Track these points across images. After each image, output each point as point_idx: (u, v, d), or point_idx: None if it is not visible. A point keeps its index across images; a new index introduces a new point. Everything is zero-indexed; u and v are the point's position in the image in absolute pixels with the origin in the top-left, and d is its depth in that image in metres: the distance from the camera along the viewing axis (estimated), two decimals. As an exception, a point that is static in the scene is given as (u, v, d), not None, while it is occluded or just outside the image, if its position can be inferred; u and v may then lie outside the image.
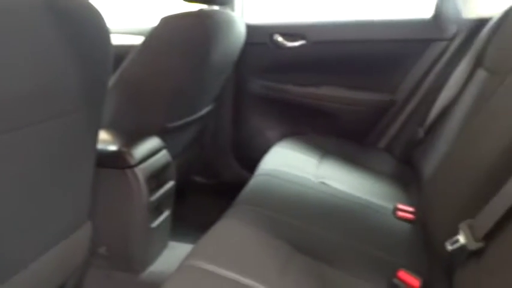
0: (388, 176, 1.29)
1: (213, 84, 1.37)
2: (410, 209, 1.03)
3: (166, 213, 1.09)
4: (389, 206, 1.05)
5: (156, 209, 1.04)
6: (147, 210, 0.99)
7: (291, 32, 1.52)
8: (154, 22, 1.12)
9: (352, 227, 0.91)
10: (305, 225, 0.88)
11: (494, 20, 1.20)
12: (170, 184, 1.09)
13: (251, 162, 1.64)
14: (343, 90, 1.50)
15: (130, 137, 1.03)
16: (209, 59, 1.19)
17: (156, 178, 1.03)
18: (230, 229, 0.79)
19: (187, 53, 1.13)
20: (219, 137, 1.65)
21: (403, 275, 0.74)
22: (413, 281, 0.74)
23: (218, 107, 1.55)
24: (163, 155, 1.07)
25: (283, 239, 0.79)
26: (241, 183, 1.65)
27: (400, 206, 1.03)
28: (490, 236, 0.64)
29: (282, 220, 0.87)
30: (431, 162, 1.10)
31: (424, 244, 0.83)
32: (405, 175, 1.27)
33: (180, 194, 1.20)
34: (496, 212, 0.65)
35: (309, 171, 1.17)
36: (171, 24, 1.11)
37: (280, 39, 1.53)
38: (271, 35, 1.53)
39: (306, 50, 1.50)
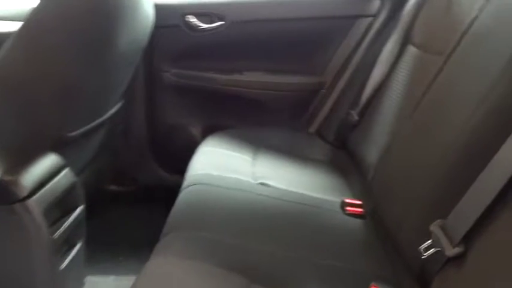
0: (325, 164, 1.21)
1: (119, 78, 1.14)
2: (358, 202, 0.95)
3: (78, 246, 0.87)
4: (336, 200, 0.97)
5: (64, 245, 0.82)
6: (50, 251, 0.77)
7: (206, 12, 1.34)
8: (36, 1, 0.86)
9: (307, 236, 0.81)
10: (255, 244, 0.75)
11: (417, -5, 1.16)
12: (79, 210, 0.87)
13: (173, 163, 1.46)
14: (269, 75, 1.38)
15: (15, 158, 0.77)
16: (113, 47, 0.96)
17: (59, 207, 0.81)
18: (164, 269, 0.63)
19: (83, 40, 0.89)
20: (132, 139, 1.43)
21: (376, 290, 0.66)
22: (388, 295, 0.65)
23: (128, 104, 1.33)
24: (64, 176, 0.84)
25: (233, 270, 0.65)
26: (163, 186, 1.48)
27: (348, 201, 0.95)
28: (469, 239, 0.57)
29: (226, 243, 0.73)
30: (371, 149, 1.04)
31: (391, 248, 0.75)
32: (342, 161, 1.21)
33: (93, 211, 0.98)
34: (472, 211, 0.57)
35: (244, 172, 1.03)
36: (58, 3, 0.85)
37: (194, 20, 1.34)
38: (183, 16, 1.34)
39: (225, 32, 1.34)
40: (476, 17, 0.78)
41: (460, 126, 0.67)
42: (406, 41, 1.14)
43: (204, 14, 1.35)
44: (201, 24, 1.35)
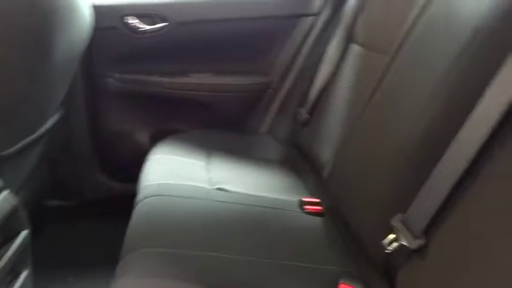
0: (279, 164, 1.22)
1: (56, 88, 1.06)
2: (316, 200, 0.97)
3: (25, 274, 0.79)
4: (294, 199, 0.98)
5: (8, 275, 0.74)
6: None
7: (148, 13, 1.29)
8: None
9: (268, 238, 0.81)
10: (218, 252, 0.73)
11: (357, -7, 1.20)
12: (23, 235, 0.79)
13: (121, 171, 1.40)
14: (216, 76, 1.36)
15: None
16: (48, 55, 0.89)
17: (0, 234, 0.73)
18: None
19: (13, 49, 0.81)
20: (75, 149, 1.34)
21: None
22: (356, 292, 0.67)
23: (68, 113, 1.24)
24: (4, 200, 0.76)
25: (197, 282, 0.63)
26: (112, 197, 1.41)
27: (306, 199, 0.97)
28: (430, 231, 0.60)
29: (189, 255, 0.70)
30: (324, 147, 1.06)
31: (354, 244, 0.77)
32: (295, 160, 1.22)
33: (36, 230, 0.90)
34: (431, 202, 0.60)
35: (200, 178, 1.01)
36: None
37: (135, 21, 1.28)
38: (123, 17, 1.27)
39: (168, 34, 1.30)
40: (419, 14, 0.81)
41: (413, 122, 0.69)
42: (349, 39, 1.17)
43: (145, 15, 1.30)
44: (142, 25, 1.30)
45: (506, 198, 0.52)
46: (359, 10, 1.16)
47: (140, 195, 0.92)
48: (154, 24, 1.30)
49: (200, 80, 1.35)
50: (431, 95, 0.68)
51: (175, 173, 1.01)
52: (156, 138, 1.26)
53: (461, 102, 0.63)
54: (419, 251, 0.60)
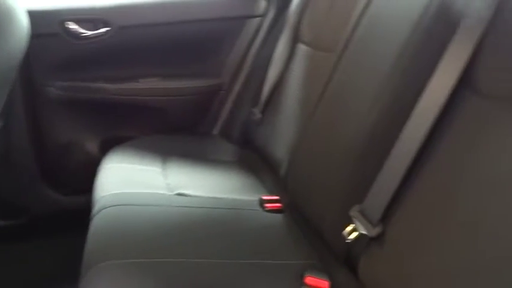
0: (235, 165, 1.23)
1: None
2: (275, 197, 0.99)
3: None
4: (254, 198, 0.99)
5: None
6: None
7: (89, 18, 1.24)
8: None
9: (231, 239, 0.81)
10: (182, 258, 0.72)
11: (300, -6, 1.24)
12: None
13: (70, 184, 1.34)
14: (166, 80, 1.34)
15: None
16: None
17: None
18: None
19: None
20: (17, 163, 1.26)
21: (311, 280, 0.69)
22: (322, 283, 0.69)
23: (9, 125, 1.17)
24: None
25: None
26: (63, 212, 1.34)
27: (265, 198, 0.98)
28: (386, 219, 0.64)
29: (152, 264, 0.69)
30: (279, 145, 1.08)
31: (315, 237, 0.80)
32: (251, 160, 1.24)
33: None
34: (385, 192, 0.64)
35: (158, 184, 0.99)
36: None
37: (75, 27, 1.23)
38: (62, 23, 1.22)
39: (112, 39, 1.26)
40: (361, 14, 0.85)
41: (361, 119, 0.73)
42: (296, 39, 1.21)
43: (86, 19, 1.25)
44: (83, 31, 1.25)
45: (451, 183, 0.57)
46: (303, 10, 1.20)
47: (96, 207, 0.88)
48: (96, 29, 1.25)
49: (149, 85, 1.33)
50: (376, 93, 0.73)
51: (131, 181, 0.99)
52: (107, 147, 1.22)
53: (405, 99, 0.68)
54: (378, 239, 0.64)
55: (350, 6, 0.94)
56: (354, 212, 0.68)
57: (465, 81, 0.59)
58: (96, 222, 0.82)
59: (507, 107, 0.53)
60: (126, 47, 1.30)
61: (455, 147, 0.58)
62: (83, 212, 1.00)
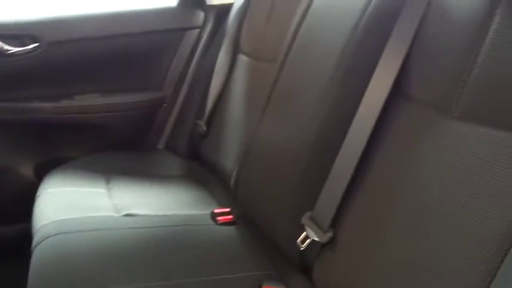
0: (183, 179, 1.21)
1: None
2: (226, 209, 0.99)
3: None
4: (205, 212, 0.98)
5: None
6: None
7: (15, 34, 1.17)
8: None
9: (184, 257, 0.80)
10: (140, 283, 0.70)
11: (237, 4, 1.25)
12: None
13: (5, 212, 1.24)
14: (105, 96, 1.29)
15: None
16: None
17: None
18: None
19: None
20: None
21: (268, 291, 0.70)
22: (279, 292, 0.70)
23: None
24: None
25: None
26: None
27: (217, 211, 0.98)
28: (336, 224, 0.67)
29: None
30: (227, 156, 1.09)
31: (269, 247, 0.81)
32: (199, 173, 1.23)
33: None
34: (333, 199, 0.67)
35: (104, 207, 0.95)
36: None
37: (0, 44, 1.15)
38: (-16, 41, 1.13)
39: (43, 55, 1.19)
40: (299, 24, 0.88)
41: (306, 128, 0.76)
42: (236, 50, 1.22)
43: (12, 36, 1.17)
44: (10, 48, 1.17)
45: (391, 186, 0.60)
46: (241, 21, 1.21)
47: (37, 237, 0.83)
48: (24, 46, 1.18)
49: (87, 102, 1.27)
50: (317, 103, 0.75)
51: (74, 205, 0.94)
52: (44, 170, 1.15)
53: (345, 108, 0.71)
54: (329, 244, 0.66)
55: (287, 18, 0.97)
56: (305, 220, 0.70)
57: (398, 89, 0.64)
58: (39, 253, 0.77)
59: (434, 111, 0.57)
60: (59, 63, 1.23)
61: (393, 152, 0.62)
62: (21, 242, 0.93)
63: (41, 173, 1.15)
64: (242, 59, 1.19)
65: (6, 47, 1.17)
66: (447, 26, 0.59)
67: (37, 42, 1.18)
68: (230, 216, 0.96)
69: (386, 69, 0.66)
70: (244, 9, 1.21)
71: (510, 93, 0.48)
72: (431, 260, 0.51)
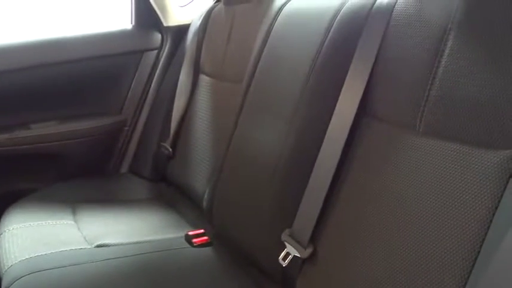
0: (152, 202, 1.19)
1: None
2: (201, 231, 0.99)
3: None
4: (180, 235, 0.98)
5: None
6: None
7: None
8: None
9: (166, 284, 0.79)
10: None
11: (195, 25, 1.27)
12: None
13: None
14: (63, 124, 1.25)
15: None
16: None
17: None
18: None
19: None
20: None
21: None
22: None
23: None
24: None
25: None
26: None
27: (191, 233, 0.98)
28: (315, 239, 0.69)
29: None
30: (196, 177, 1.09)
31: (252, 266, 0.82)
32: (167, 195, 1.22)
33: None
34: (310, 214, 0.70)
35: (74, 239, 0.92)
36: None
37: None
38: None
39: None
40: (262, 44, 0.90)
41: (279, 144, 0.77)
42: (197, 71, 1.23)
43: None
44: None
45: (363, 201, 0.64)
46: (200, 41, 1.23)
47: (5, 280, 0.78)
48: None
49: (43, 131, 1.22)
50: (290, 119, 0.78)
51: (41, 241, 0.90)
52: (3, 205, 1.09)
53: (316, 125, 0.74)
54: (310, 259, 0.69)
55: (248, 38, 0.99)
56: (285, 236, 0.72)
57: (364, 109, 0.68)
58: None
59: (400, 129, 0.62)
60: (11, 92, 1.18)
61: (365, 168, 0.65)
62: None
63: (2, 209, 1.09)
64: (204, 79, 1.20)
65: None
66: (406, 46, 0.64)
67: (-14, 71, 1.13)
68: (205, 238, 0.96)
69: (351, 89, 0.70)
70: (203, 29, 1.23)
71: (467, 109, 0.53)
72: (411, 270, 0.55)
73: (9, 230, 0.95)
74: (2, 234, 0.95)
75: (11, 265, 0.81)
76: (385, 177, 0.61)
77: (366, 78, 0.67)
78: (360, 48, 0.70)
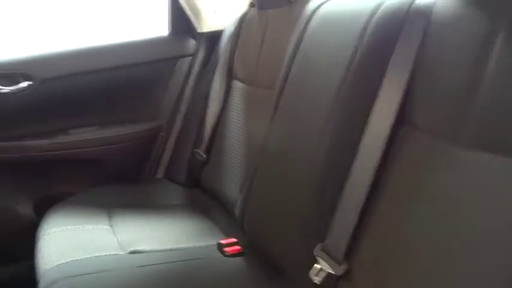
0: (186, 208, 1.20)
1: None
2: (233, 240, 0.98)
3: None
4: (212, 243, 0.97)
5: None
6: None
7: (7, 73, 1.16)
8: None
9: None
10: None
11: (229, 31, 1.26)
12: None
13: (5, 253, 1.21)
14: (101, 129, 1.28)
15: None
16: None
17: None
18: None
19: None
20: None
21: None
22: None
23: None
24: None
25: None
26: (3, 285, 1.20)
27: (223, 242, 0.96)
28: (350, 254, 0.65)
29: None
30: (229, 184, 1.08)
31: (284, 279, 0.79)
32: (201, 201, 1.22)
33: None
34: (346, 227, 0.66)
35: (109, 244, 0.93)
36: None
37: (-8, 84, 1.14)
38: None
39: (35, 92, 1.18)
40: (295, 50, 0.88)
41: (312, 152, 0.74)
42: (230, 77, 1.23)
43: (5, 75, 1.16)
44: (2, 87, 1.16)
45: (403, 216, 0.60)
46: (233, 47, 1.22)
47: (42, 284, 0.80)
48: (16, 84, 1.17)
49: (83, 136, 1.26)
50: (323, 127, 0.75)
51: (77, 246, 0.92)
52: (43, 208, 1.13)
53: (351, 131, 0.70)
54: (346, 276, 0.65)
55: (281, 43, 0.97)
56: (317, 251, 0.69)
57: (402, 117, 0.64)
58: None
59: (441, 140, 0.58)
60: (53, 99, 1.22)
61: (404, 180, 0.61)
62: (22, 281, 0.91)
63: (40, 211, 1.13)
64: (237, 85, 1.19)
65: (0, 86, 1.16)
66: (447, 50, 0.59)
67: (30, 80, 1.18)
68: (238, 247, 0.94)
69: (388, 95, 0.66)
70: (236, 35, 1.22)
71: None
72: (454, 286, 0.51)
73: (48, 234, 0.98)
74: (41, 236, 0.98)
75: (47, 269, 0.83)
76: (428, 193, 0.57)
77: (404, 84, 0.63)
78: (397, 52, 0.66)
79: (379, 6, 0.72)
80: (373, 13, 0.72)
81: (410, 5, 0.67)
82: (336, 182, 0.70)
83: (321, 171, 0.73)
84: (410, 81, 0.63)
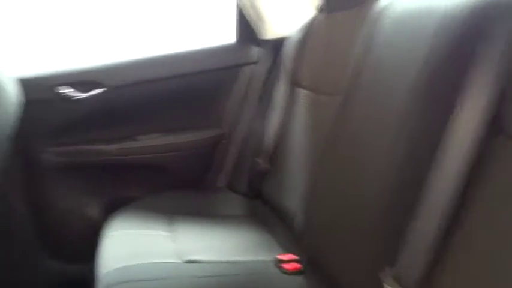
0: (245, 219, 1.16)
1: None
2: (293, 256, 0.91)
3: None
4: (269, 259, 0.92)
5: None
6: None
7: (81, 81, 1.22)
8: None
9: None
10: None
11: (294, 38, 1.22)
12: None
13: (72, 252, 1.27)
14: (165, 136, 1.30)
15: None
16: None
17: None
18: None
19: None
20: (16, 234, 1.19)
21: None
22: None
23: (5, 195, 1.11)
24: None
25: None
26: (63, 283, 1.26)
27: (281, 257, 0.91)
28: (424, 283, 0.57)
29: None
30: (291, 196, 1.02)
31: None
32: (261, 212, 1.17)
33: None
34: (421, 252, 0.58)
35: (166, 252, 0.92)
36: None
37: (68, 90, 1.20)
38: (54, 87, 1.19)
39: (106, 99, 1.23)
40: (364, 56, 0.81)
41: (382, 164, 0.67)
42: (294, 84, 1.18)
43: (77, 83, 1.22)
44: (75, 94, 1.22)
45: (492, 241, 0.50)
46: (298, 55, 1.17)
47: (100, 286, 0.81)
48: (89, 91, 1.22)
49: (149, 143, 1.28)
50: (394, 139, 0.67)
51: (135, 251, 0.92)
52: (109, 210, 1.16)
53: (426, 138, 0.62)
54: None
55: (346, 48, 0.91)
56: (385, 276, 0.61)
57: (497, 124, 0.54)
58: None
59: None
60: (121, 106, 1.26)
61: (498, 200, 0.52)
62: (86, 281, 0.93)
63: (105, 213, 1.16)
64: (301, 92, 1.14)
65: (73, 93, 1.22)
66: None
67: (101, 88, 1.23)
68: (298, 265, 0.88)
69: (473, 101, 0.57)
70: (302, 41, 1.17)
71: None
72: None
73: (110, 236, 1.00)
74: (104, 239, 1.00)
75: (106, 272, 0.84)
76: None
77: (491, 87, 0.54)
78: (481, 52, 0.56)
79: (455, 1, 0.63)
80: (448, 9, 0.63)
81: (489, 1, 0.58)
82: (411, 198, 0.61)
83: (394, 184, 0.65)
84: (502, 83, 0.54)
